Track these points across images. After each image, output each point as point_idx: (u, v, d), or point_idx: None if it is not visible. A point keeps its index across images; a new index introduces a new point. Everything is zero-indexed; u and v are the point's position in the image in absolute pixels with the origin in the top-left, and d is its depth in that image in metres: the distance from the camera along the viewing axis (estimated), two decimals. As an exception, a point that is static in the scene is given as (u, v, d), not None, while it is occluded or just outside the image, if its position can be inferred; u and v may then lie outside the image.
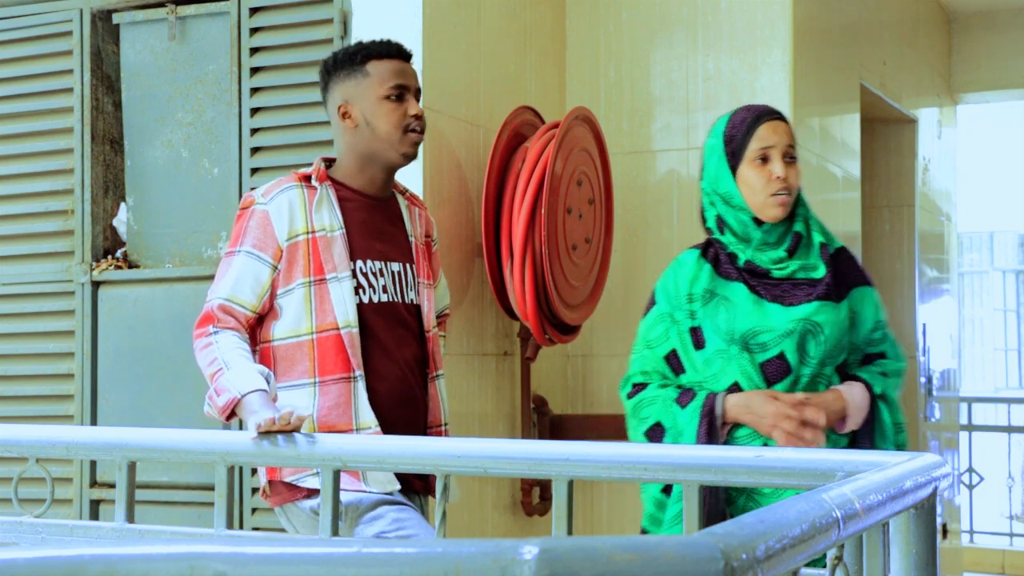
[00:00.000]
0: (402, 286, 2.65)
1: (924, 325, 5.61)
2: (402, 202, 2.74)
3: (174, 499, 3.43)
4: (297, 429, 2.24)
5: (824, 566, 1.41)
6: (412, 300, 2.68)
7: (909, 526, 1.55)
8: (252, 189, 3.41)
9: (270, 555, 0.97)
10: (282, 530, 3.26)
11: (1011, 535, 6.73)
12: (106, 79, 3.71)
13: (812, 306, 2.47)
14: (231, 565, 0.96)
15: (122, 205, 3.68)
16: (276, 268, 2.54)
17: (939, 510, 2.01)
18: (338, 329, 2.52)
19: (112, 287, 3.60)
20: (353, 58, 2.64)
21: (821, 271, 2.52)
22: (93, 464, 3.58)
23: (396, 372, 2.61)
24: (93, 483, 3.59)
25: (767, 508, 1.13)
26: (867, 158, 4.75)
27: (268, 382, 2.39)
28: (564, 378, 3.92)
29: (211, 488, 2.32)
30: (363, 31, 3.27)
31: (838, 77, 4.33)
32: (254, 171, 3.43)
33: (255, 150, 3.44)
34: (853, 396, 2.48)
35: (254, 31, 3.45)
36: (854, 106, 4.52)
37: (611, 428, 3.61)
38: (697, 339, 2.51)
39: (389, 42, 2.68)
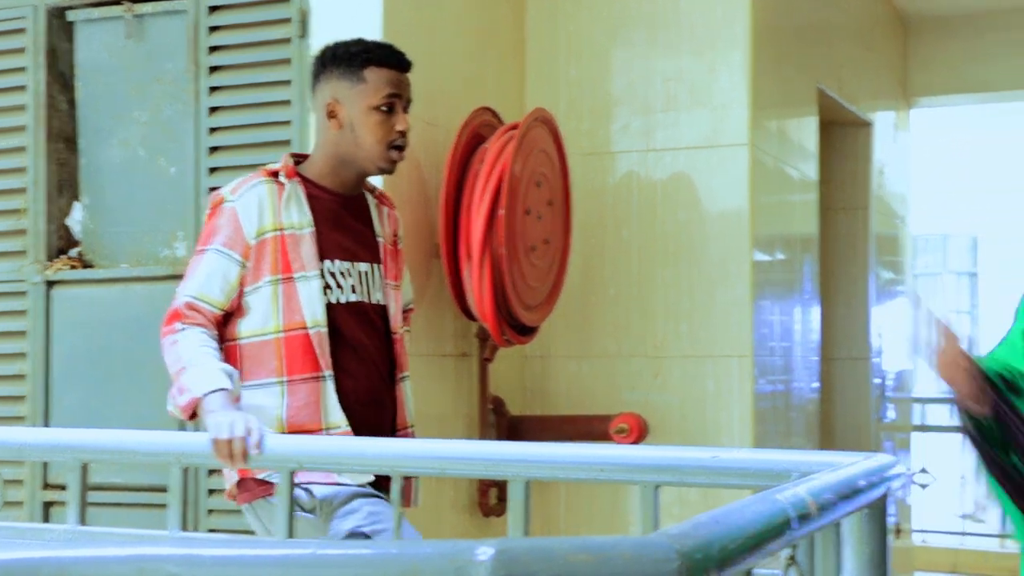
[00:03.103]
0: (369, 286, 2.64)
1: (879, 327, 5.66)
2: (371, 201, 2.73)
3: (128, 501, 3.40)
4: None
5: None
6: (379, 300, 2.66)
7: (862, 526, 1.57)
8: (212, 189, 3.40)
9: (224, 557, 0.96)
10: (243, 531, 3.24)
11: (963, 535, 6.80)
12: (60, 77, 3.67)
13: None
14: (184, 567, 0.95)
15: (76, 204, 3.65)
16: (245, 266, 2.52)
17: (892, 510, 2.03)
18: (306, 329, 2.51)
19: (66, 287, 3.56)
20: (353, 58, 2.61)
21: None
22: (45, 466, 3.54)
23: (365, 372, 2.60)
24: (45, 485, 3.55)
25: (722, 508, 1.14)
26: (824, 161, 4.78)
27: (232, 380, 2.38)
28: (522, 379, 3.92)
29: (165, 490, 2.30)
30: (322, 31, 3.26)
31: (796, 80, 4.36)
32: (212, 170, 3.41)
33: (213, 149, 3.42)
34: None
35: (212, 29, 3.42)
36: (811, 109, 4.55)
37: (569, 429, 3.62)
38: None
39: (391, 48, 2.66)
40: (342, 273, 2.59)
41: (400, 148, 2.62)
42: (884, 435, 5.65)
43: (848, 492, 1.46)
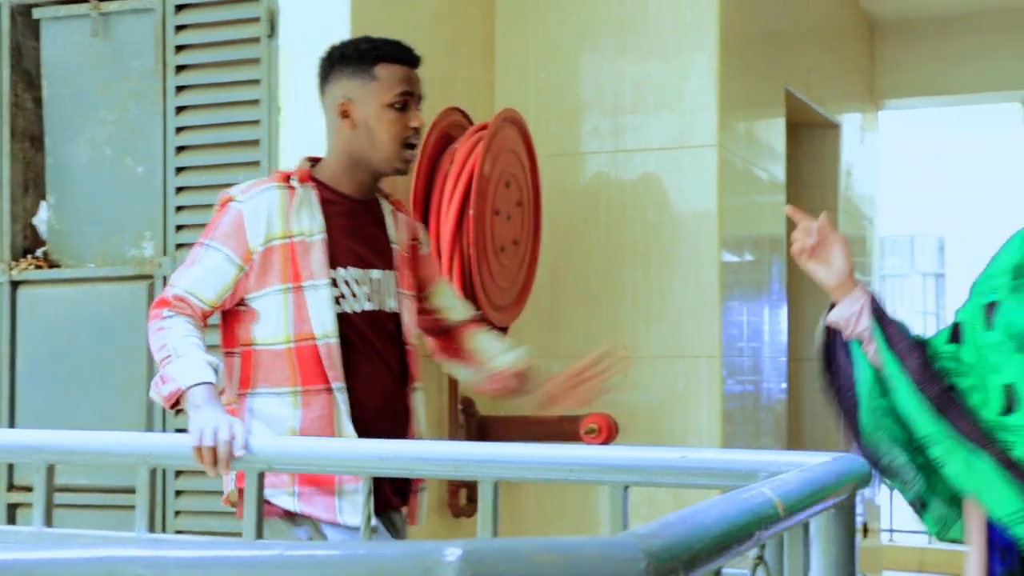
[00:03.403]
0: (383, 294, 2.57)
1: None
2: (386, 207, 2.65)
3: (94, 502, 3.38)
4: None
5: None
6: (392, 308, 2.59)
7: (829, 526, 1.58)
8: (180, 189, 3.38)
9: (191, 559, 0.96)
10: (211, 533, 3.23)
11: (930, 534, 6.84)
12: (26, 75, 3.64)
13: None
14: (151, 569, 0.95)
15: (42, 203, 3.62)
16: (243, 269, 2.46)
17: (859, 510, 2.04)
18: (314, 340, 2.45)
19: (32, 287, 3.53)
20: (363, 56, 2.55)
21: None
22: (11, 467, 3.51)
23: (381, 383, 2.54)
24: (10, 487, 3.52)
25: (690, 509, 1.14)
26: (792, 162, 4.81)
27: (217, 373, 2.35)
28: (491, 380, 3.92)
29: (132, 491, 2.29)
30: (290, 30, 3.25)
31: (764, 82, 4.38)
32: (179, 170, 3.39)
33: (180, 149, 3.40)
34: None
35: (179, 28, 3.40)
36: (779, 111, 4.58)
37: (538, 430, 3.62)
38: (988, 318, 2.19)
39: (400, 44, 2.60)
40: (356, 281, 2.52)
41: (413, 146, 2.56)
42: (851, 435, 5.67)
43: (816, 492, 1.47)
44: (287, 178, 2.53)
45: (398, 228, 2.65)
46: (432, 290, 2.74)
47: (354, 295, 2.51)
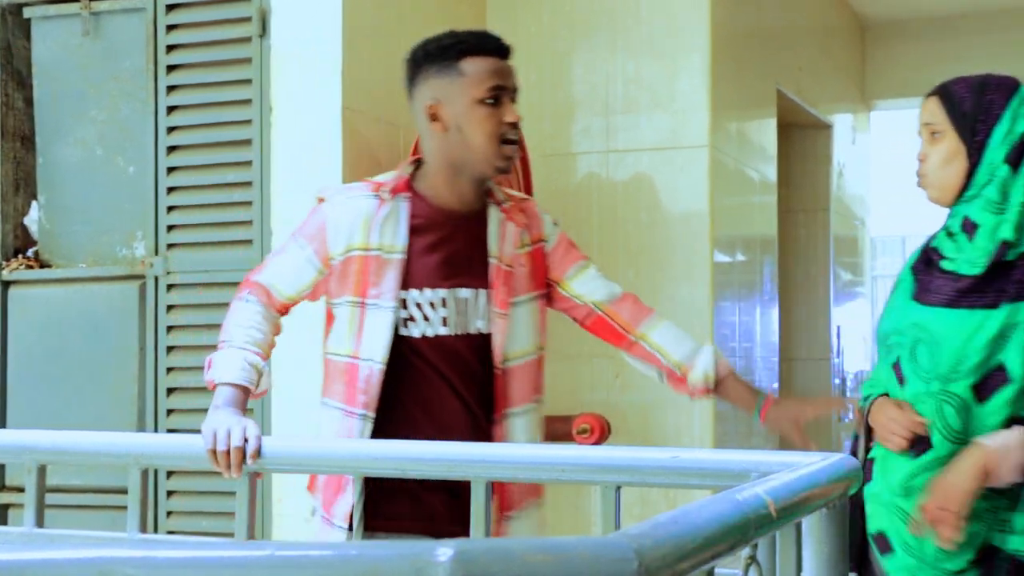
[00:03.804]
0: (469, 315, 2.39)
1: (838, 328, 5.70)
2: (494, 217, 2.44)
3: (86, 503, 3.37)
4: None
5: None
6: (479, 329, 2.40)
7: (821, 525, 1.58)
8: (172, 189, 3.37)
9: (182, 559, 0.96)
10: (203, 533, 3.22)
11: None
12: (17, 75, 3.63)
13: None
14: (142, 569, 0.95)
15: (33, 203, 3.61)
16: (322, 272, 2.39)
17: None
18: (357, 359, 2.35)
19: (23, 287, 3.53)
20: (447, 52, 2.37)
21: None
22: (2, 468, 3.51)
23: (446, 410, 2.39)
24: (2, 487, 3.51)
25: (681, 509, 1.14)
26: (783, 162, 4.81)
27: (262, 376, 2.31)
28: (484, 380, 3.92)
29: (124, 491, 2.28)
30: (282, 30, 3.25)
31: (755, 82, 4.39)
32: (171, 170, 3.39)
33: (171, 148, 3.39)
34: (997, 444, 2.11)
35: (170, 28, 3.40)
36: (771, 111, 4.58)
37: (530, 429, 3.62)
38: None
39: (487, 35, 2.43)
40: (432, 303, 2.37)
41: (512, 142, 2.37)
42: (844, 435, 5.69)
43: (808, 492, 1.47)
44: (379, 188, 2.40)
45: (504, 240, 2.44)
46: (567, 279, 2.54)
47: (426, 318, 2.37)
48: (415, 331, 2.36)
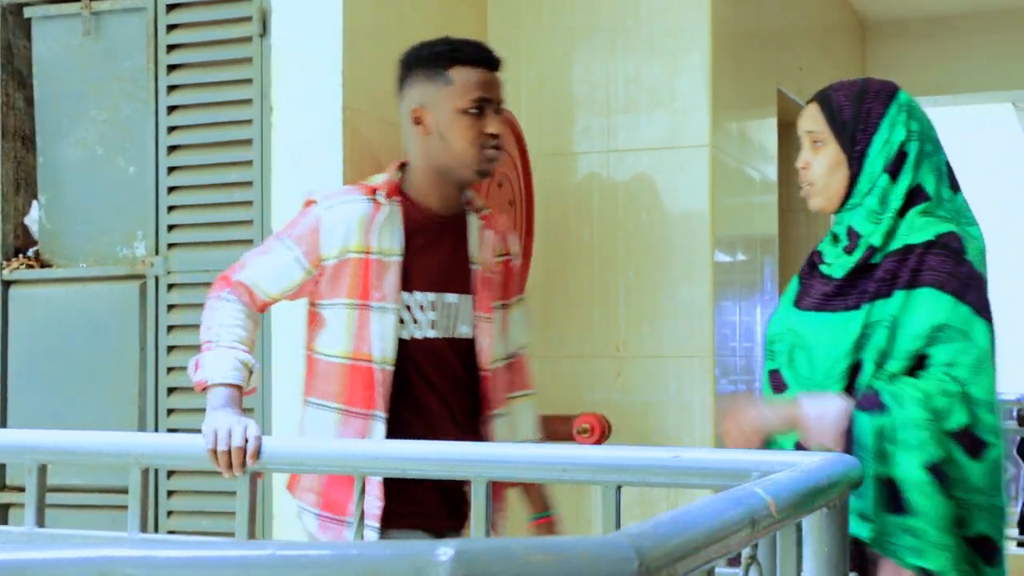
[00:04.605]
0: (454, 319, 2.47)
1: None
2: (474, 223, 2.53)
3: (87, 503, 3.37)
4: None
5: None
6: (464, 334, 2.48)
7: (822, 525, 1.58)
8: (172, 188, 3.37)
9: (182, 558, 0.96)
10: (203, 533, 3.22)
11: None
12: (17, 74, 3.63)
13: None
14: (142, 569, 0.95)
15: (34, 203, 3.61)
16: (311, 273, 2.41)
17: (851, 509, 2.03)
18: (371, 363, 2.38)
19: (23, 287, 3.53)
20: (438, 59, 2.44)
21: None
22: (3, 467, 3.51)
23: (429, 412, 2.45)
24: (3, 487, 3.51)
25: (682, 508, 1.14)
26: (784, 162, 4.81)
27: (252, 373, 2.33)
28: (484, 379, 3.92)
29: (125, 491, 2.28)
30: (283, 29, 3.25)
31: (756, 82, 4.38)
32: (171, 170, 3.39)
33: (172, 148, 3.39)
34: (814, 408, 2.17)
35: (171, 28, 3.40)
36: (771, 111, 4.58)
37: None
38: None
39: (479, 46, 2.50)
40: (421, 307, 2.43)
41: (494, 149, 2.45)
42: (843, 435, 5.68)
43: (808, 491, 1.47)
44: (373, 191, 2.44)
45: (483, 246, 2.52)
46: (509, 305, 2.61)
47: (415, 321, 2.43)
48: (407, 334, 2.41)
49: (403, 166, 2.51)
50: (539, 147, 3.80)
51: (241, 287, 2.42)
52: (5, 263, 3.55)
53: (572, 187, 3.87)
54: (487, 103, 2.44)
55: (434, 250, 2.46)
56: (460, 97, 2.41)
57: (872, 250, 2.24)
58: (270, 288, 2.44)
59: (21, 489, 3.40)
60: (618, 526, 1.87)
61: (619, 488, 1.89)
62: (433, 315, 2.44)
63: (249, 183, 3.27)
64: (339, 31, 3.17)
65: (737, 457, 1.88)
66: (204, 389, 2.32)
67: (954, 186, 2.34)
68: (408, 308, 2.42)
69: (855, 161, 2.28)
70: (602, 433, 3.41)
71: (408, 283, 2.42)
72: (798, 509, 1.44)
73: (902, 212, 2.25)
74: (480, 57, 2.46)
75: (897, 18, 6.18)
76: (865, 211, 2.27)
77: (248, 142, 3.28)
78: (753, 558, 1.39)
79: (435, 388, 2.45)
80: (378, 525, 2.35)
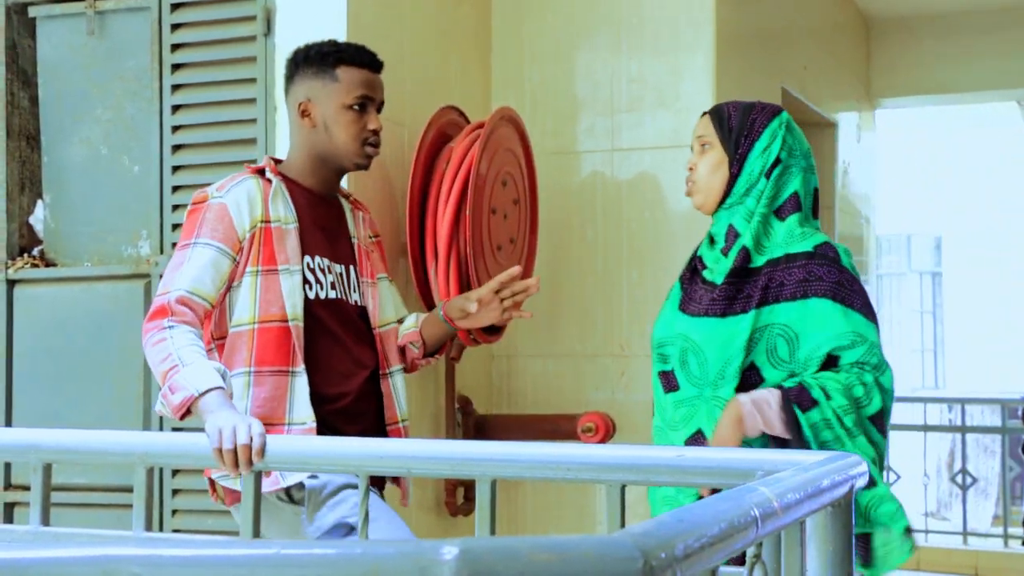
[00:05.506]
0: (346, 287, 2.67)
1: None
2: (345, 205, 2.77)
3: (92, 501, 3.38)
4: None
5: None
6: (356, 301, 2.69)
7: (826, 524, 1.58)
8: (177, 188, 3.38)
9: (187, 557, 0.96)
10: (208, 532, 3.23)
11: (926, 532, 6.86)
12: (22, 74, 3.64)
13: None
14: (147, 568, 0.95)
15: (39, 202, 3.62)
16: (235, 260, 2.53)
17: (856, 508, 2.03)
18: (285, 321, 2.52)
19: (28, 286, 3.53)
20: (325, 58, 2.65)
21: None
22: (8, 466, 3.51)
23: (343, 367, 2.61)
24: (8, 486, 3.52)
25: (686, 507, 1.14)
26: (788, 161, 4.80)
27: (224, 379, 2.34)
28: (489, 378, 3.92)
29: (130, 490, 2.28)
30: (287, 28, 3.25)
31: (760, 81, 4.38)
32: (175, 169, 3.39)
33: (176, 147, 3.39)
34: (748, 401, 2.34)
35: (175, 27, 3.40)
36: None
37: (535, 428, 3.62)
38: None
39: (363, 49, 2.69)
40: (322, 270, 2.62)
41: (374, 145, 2.66)
42: (848, 433, 5.68)
43: (812, 490, 1.47)
44: (260, 171, 2.63)
45: (358, 224, 2.77)
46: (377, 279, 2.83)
47: (318, 282, 2.60)
48: (311, 293, 2.58)
49: (274, 160, 2.71)
50: (543, 146, 3.80)
51: (180, 304, 2.43)
52: (10, 262, 3.55)
53: (576, 186, 3.87)
54: (370, 101, 2.65)
55: (319, 223, 2.66)
56: (346, 94, 2.62)
57: (746, 251, 2.43)
58: (207, 289, 2.49)
59: (26, 488, 3.41)
60: (622, 525, 1.87)
61: (623, 487, 1.89)
62: (332, 277, 2.63)
63: (253, 182, 3.28)
64: (343, 31, 3.18)
65: (741, 456, 1.88)
66: (188, 410, 2.29)
67: (815, 213, 2.57)
68: (312, 271, 2.59)
69: (736, 163, 2.49)
70: (606, 432, 3.41)
71: (307, 248, 2.60)
72: (802, 508, 1.43)
73: (780, 216, 2.46)
74: (365, 59, 2.67)
75: (902, 17, 6.17)
76: (744, 210, 2.47)
77: (252, 141, 3.28)
78: (758, 557, 1.39)
79: (343, 344, 2.62)
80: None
